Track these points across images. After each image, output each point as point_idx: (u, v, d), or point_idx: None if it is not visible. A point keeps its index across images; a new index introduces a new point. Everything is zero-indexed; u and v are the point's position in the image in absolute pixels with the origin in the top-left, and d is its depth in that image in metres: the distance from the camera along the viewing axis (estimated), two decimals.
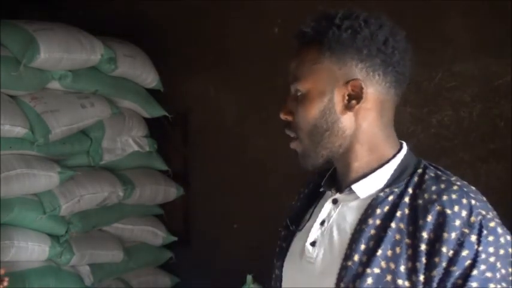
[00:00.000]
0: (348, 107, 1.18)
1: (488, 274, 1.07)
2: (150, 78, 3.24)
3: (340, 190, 1.25)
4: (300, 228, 1.29)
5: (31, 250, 2.71)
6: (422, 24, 2.69)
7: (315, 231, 1.23)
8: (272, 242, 1.42)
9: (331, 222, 1.22)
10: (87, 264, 2.96)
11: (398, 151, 1.25)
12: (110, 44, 3.03)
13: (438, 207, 1.11)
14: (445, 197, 1.12)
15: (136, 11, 3.53)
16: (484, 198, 1.17)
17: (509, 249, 1.11)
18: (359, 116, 1.20)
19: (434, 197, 1.13)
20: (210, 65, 3.35)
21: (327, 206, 1.24)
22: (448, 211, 1.10)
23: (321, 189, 1.30)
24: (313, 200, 1.31)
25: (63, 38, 2.82)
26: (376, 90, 1.19)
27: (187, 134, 3.49)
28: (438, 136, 2.67)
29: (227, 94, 3.31)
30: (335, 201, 1.24)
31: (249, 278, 2.84)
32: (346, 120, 1.19)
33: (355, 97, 1.18)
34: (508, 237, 1.12)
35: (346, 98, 1.18)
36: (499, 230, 1.12)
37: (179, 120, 3.40)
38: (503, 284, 1.08)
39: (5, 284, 1.91)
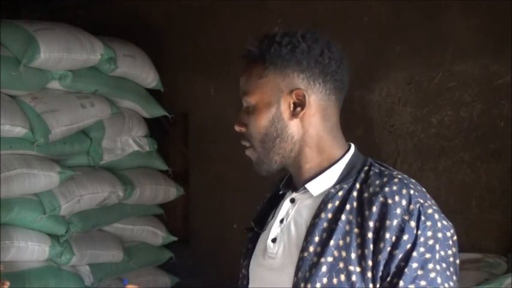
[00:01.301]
0: (294, 114, 1.30)
1: (427, 255, 1.18)
2: (150, 78, 3.24)
3: (296, 190, 1.36)
4: (264, 228, 1.40)
5: (31, 250, 2.72)
6: (422, 24, 2.69)
7: (275, 229, 1.35)
8: None
9: (289, 219, 1.33)
10: (87, 264, 2.96)
11: (347, 152, 1.35)
12: (110, 44, 3.03)
13: (381, 199, 1.22)
14: (387, 189, 1.23)
15: (136, 11, 3.53)
16: (424, 189, 1.27)
17: (447, 233, 1.22)
18: (305, 122, 1.31)
19: (378, 189, 1.24)
20: (210, 65, 3.35)
21: (286, 205, 1.36)
22: (390, 201, 1.21)
23: (280, 192, 1.42)
24: (274, 203, 1.43)
25: (63, 38, 2.82)
26: (317, 98, 1.31)
27: (187, 134, 3.49)
28: (438, 136, 2.67)
29: (227, 94, 3.31)
30: (292, 201, 1.36)
31: None
32: (294, 127, 1.31)
33: (299, 105, 1.30)
34: (445, 222, 1.23)
35: (292, 106, 1.30)
36: (436, 215, 1.22)
37: (179, 120, 3.40)
38: (443, 264, 1.19)
39: (5, 287, 1.91)
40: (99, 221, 3.02)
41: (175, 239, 3.37)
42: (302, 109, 1.29)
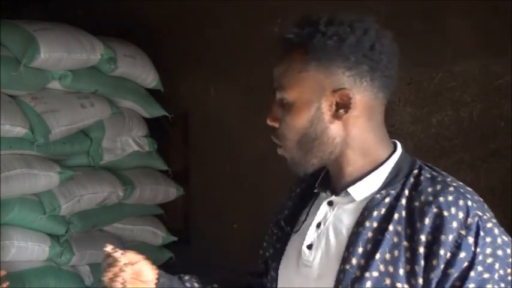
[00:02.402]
0: (336, 116, 1.17)
1: (486, 275, 1.08)
2: (150, 78, 3.24)
3: (335, 192, 1.23)
4: (296, 230, 1.28)
5: (31, 250, 2.71)
6: (422, 24, 2.69)
7: (311, 234, 1.23)
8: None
9: (327, 225, 1.21)
10: (87, 264, 2.96)
11: (393, 152, 1.23)
12: (110, 44, 3.03)
13: (435, 210, 1.10)
14: (441, 199, 1.11)
15: (136, 11, 3.53)
16: (481, 199, 1.16)
17: (508, 250, 1.11)
18: (348, 124, 1.18)
19: (431, 198, 1.12)
20: (210, 65, 3.34)
21: (323, 208, 1.23)
22: (445, 213, 1.09)
23: (315, 190, 1.29)
24: (306, 201, 1.30)
25: (63, 38, 2.82)
26: (364, 97, 1.17)
27: (187, 134, 3.49)
28: (438, 136, 2.67)
29: (227, 94, 3.31)
30: (330, 204, 1.23)
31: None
32: (335, 129, 1.17)
33: (343, 106, 1.16)
34: (505, 238, 1.12)
35: (334, 107, 1.16)
36: (496, 231, 1.11)
37: (179, 120, 3.40)
38: (502, 285, 1.09)
39: (4, 286, 1.91)
40: (99, 221, 3.02)
41: (175, 239, 3.37)
42: (346, 111, 1.16)
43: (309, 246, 1.22)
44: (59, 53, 2.78)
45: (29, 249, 2.71)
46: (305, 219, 1.27)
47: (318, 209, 1.24)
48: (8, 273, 2.04)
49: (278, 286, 1.29)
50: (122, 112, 3.14)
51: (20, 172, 2.66)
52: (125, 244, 3.16)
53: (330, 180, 1.27)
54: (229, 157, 3.30)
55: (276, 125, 1.21)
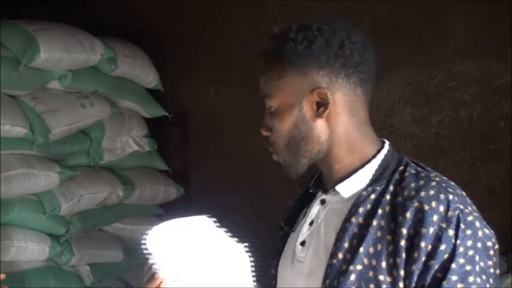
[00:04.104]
0: (318, 115, 1.22)
1: (468, 267, 1.11)
2: (150, 78, 3.24)
3: (326, 191, 1.28)
4: (294, 229, 1.33)
5: (31, 250, 2.71)
6: (422, 24, 2.69)
7: (304, 232, 1.28)
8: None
9: (319, 223, 1.26)
10: (87, 264, 2.96)
11: (380, 149, 1.26)
12: (110, 44, 3.03)
13: (416, 204, 1.13)
14: (423, 193, 1.14)
15: (136, 12, 3.53)
16: (463, 193, 1.19)
17: (488, 243, 1.14)
18: (331, 121, 1.23)
19: (413, 193, 1.15)
20: (210, 65, 3.34)
21: (316, 207, 1.28)
22: (426, 207, 1.13)
23: (310, 191, 1.34)
24: (306, 201, 1.35)
25: (63, 38, 2.82)
26: (342, 94, 1.22)
27: (187, 134, 3.49)
28: (438, 136, 2.67)
29: (227, 94, 3.31)
30: (323, 202, 1.28)
31: None
32: (319, 127, 1.23)
33: (322, 104, 1.21)
34: (487, 231, 1.15)
35: (315, 106, 1.22)
36: (477, 224, 1.14)
37: (179, 120, 3.40)
38: (483, 277, 1.12)
39: None
40: (99, 221, 3.02)
41: None
42: (326, 108, 1.21)
43: (302, 243, 1.27)
44: (59, 53, 2.78)
45: (29, 249, 2.71)
46: (302, 219, 1.32)
47: (312, 208, 1.30)
48: (8, 273, 2.04)
49: (277, 284, 1.34)
50: (122, 112, 3.14)
51: (20, 172, 2.66)
52: (125, 244, 3.16)
53: (322, 180, 1.32)
54: (229, 157, 3.30)
55: (269, 133, 1.27)
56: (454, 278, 1.09)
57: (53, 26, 2.87)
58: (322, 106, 1.21)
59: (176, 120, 3.36)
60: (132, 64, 3.13)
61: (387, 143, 1.28)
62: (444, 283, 1.09)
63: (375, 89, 2.94)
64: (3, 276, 1.87)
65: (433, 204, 1.13)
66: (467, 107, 2.59)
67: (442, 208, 1.12)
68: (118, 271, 3.12)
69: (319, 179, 1.33)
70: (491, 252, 1.15)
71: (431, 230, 1.11)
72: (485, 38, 2.54)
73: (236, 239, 1.23)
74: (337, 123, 1.23)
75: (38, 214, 2.72)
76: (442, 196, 1.14)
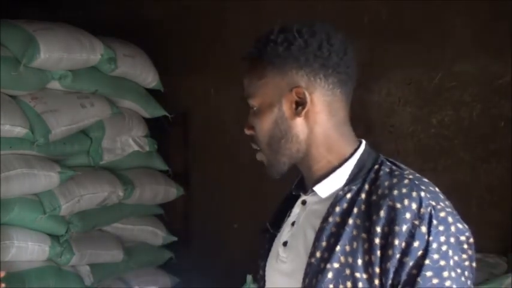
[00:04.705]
0: (296, 113, 1.25)
1: (442, 262, 1.12)
2: (150, 78, 3.25)
3: (306, 192, 1.31)
4: (278, 230, 1.36)
5: (31, 250, 2.72)
6: (422, 24, 2.69)
7: (286, 233, 1.31)
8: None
9: (300, 223, 1.29)
10: (87, 264, 2.96)
11: (357, 149, 1.28)
12: (110, 44, 3.04)
13: (389, 202, 1.15)
14: (395, 192, 1.16)
15: (137, 11, 3.53)
16: (436, 189, 1.20)
17: (461, 237, 1.16)
18: (310, 120, 1.25)
19: (386, 192, 1.17)
20: (210, 65, 3.35)
21: (297, 208, 1.31)
22: (398, 205, 1.14)
23: (293, 192, 1.37)
24: (290, 203, 1.37)
25: (63, 38, 2.82)
26: (321, 93, 1.24)
27: (187, 134, 3.49)
28: (438, 136, 2.67)
29: (227, 94, 3.31)
30: (304, 203, 1.31)
31: (249, 278, 2.84)
32: (298, 126, 1.26)
33: (301, 103, 1.24)
34: (460, 226, 1.17)
35: (294, 105, 1.25)
36: (450, 219, 1.16)
37: (179, 120, 3.40)
38: (458, 270, 1.13)
39: (2, 286, 1.91)
40: (99, 221, 3.02)
41: (175, 239, 3.37)
42: (304, 107, 1.24)
43: (284, 244, 1.30)
44: (59, 53, 2.78)
45: (29, 249, 2.71)
46: (287, 220, 1.34)
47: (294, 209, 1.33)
48: (8, 273, 2.03)
49: (265, 283, 1.37)
50: (122, 112, 3.14)
51: (20, 172, 2.67)
52: (125, 244, 3.17)
53: (304, 182, 1.34)
54: (229, 157, 3.30)
55: (253, 132, 1.32)
56: (428, 273, 1.11)
57: (53, 26, 2.88)
58: (300, 105, 1.24)
59: (176, 120, 3.36)
60: (132, 64, 3.13)
61: (364, 142, 1.30)
62: (419, 279, 1.11)
63: (375, 88, 2.95)
64: (2, 273, 1.87)
65: (406, 202, 1.14)
66: (467, 107, 2.59)
67: (414, 206, 1.14)
68: (118, 271, 3.13)
69: (301, 180, 1.36)
70: (465, 246, 1.16)
71: (404, 227, 1.13)
72: (485, 38, 2.54)
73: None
74: (315, 122, 1.25)
75: (38, 214, 2.73)
76: (414, 194, 1.15)
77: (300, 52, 1.23)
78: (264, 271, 1.37)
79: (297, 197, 1.35)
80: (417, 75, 2.71)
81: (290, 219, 1.31)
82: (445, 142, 2.66)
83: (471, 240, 1.18)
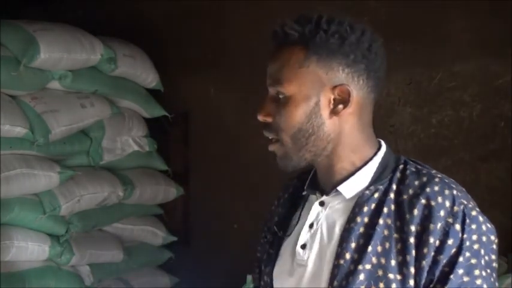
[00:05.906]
0: (334, 112, 1.20)
1: (473, 261, 1.12)
2: (150, 78, 3.25)
3: (325, 192, 1.27)
4: (289, 233, 1.31)
5: (31, 250, 2.72)
6: (422, 24, 2.69)
7: (304, 234, 1.26)
8: None
9: (319, 224, 1.25)
10: (87, 264, 2.96)
11: (378, 150, 1.27)
12: (110, 44, 3.04)
13: (423, 201, 1.15)
14: (428, 190, 1.16)
15: (137, 11, 3.53)
16: (464, 189, 1.20)
17: (491, 236, 1.17)
18: (342, 120, 1.21)
19: (418, 190, 1.16)
20: (210, 65, 3.35)
21: (315, 209, 1.26)
22: (433, 203, 1.14)
23: (304, 193, 1.32)
24: (296, 205, 1.34)
25: (63, 38, 2.82)
26: (358, 95, 1.21)
27: (187, 134, 3.49)
28: (438, 136, 2.67)
29: (227, 94, 3.31)
30: (322, 204, 1.26)
31: (249, 278, 2.84)
32: (331, 124, 1.21)
33: (341, 102, 1.20)
34: (489, 225, 1.18)
35: (332, 102, 1.20)
36: (480, 218, 1.16)
37: (179, 120, 3.40)
38: (488, 270, 1.14)
39: None
40: (99, 221, 3.03)
41: (175, 239, 3.37)
42: (344, 107, 1.19)
43: (303, 246, 1.25)
44: (59, 53, 2.78)
45: (29, 249, 2.71)
46: (297, 223, 1.30)
47: (309, 210, 1.28)
48: (8, 273, 2.04)
49: None
50: (122, 112, 3.14)
51: (20, 172, 2.67)
52: (125, 244, 3.17)
53: (318, 182, 1.30)
54: (229, 157, 3.30)
55: (269, 119, 1.23)
56: (460, 271, 1.11)
57: (53, 26, 2.88)
58: (340, 103, 1.19)
59: (176, 120, 3.36)
60: (132, 64, 3.13)
61: (384, 143, 1.29)
62: (451, 276, 1.10)
63: None
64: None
65: (439, 199, 1.14)
66: (467, 107, 2.59)
67: (448, 203, 1.14)
68: (118, 271, 3.13)
69: (313, 181, 1.31)
70: (494, 247, 1.17)
71: (438, 225, 1.12)
72: (485, 38, 2.54)
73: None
74: (347, 122, 1.21)
75: (38, 214, 2.73)
76: (447, 192, 1.15)
77: (351, 49, 1.18)
78: (270, 278, 1.32)
79: (303, 197, 1.32)
80: (417, 75, 2.71)
81: (307, 221, 1.26)
82: (445, 142, 2.65)
83: (497, 241, 1.19)
